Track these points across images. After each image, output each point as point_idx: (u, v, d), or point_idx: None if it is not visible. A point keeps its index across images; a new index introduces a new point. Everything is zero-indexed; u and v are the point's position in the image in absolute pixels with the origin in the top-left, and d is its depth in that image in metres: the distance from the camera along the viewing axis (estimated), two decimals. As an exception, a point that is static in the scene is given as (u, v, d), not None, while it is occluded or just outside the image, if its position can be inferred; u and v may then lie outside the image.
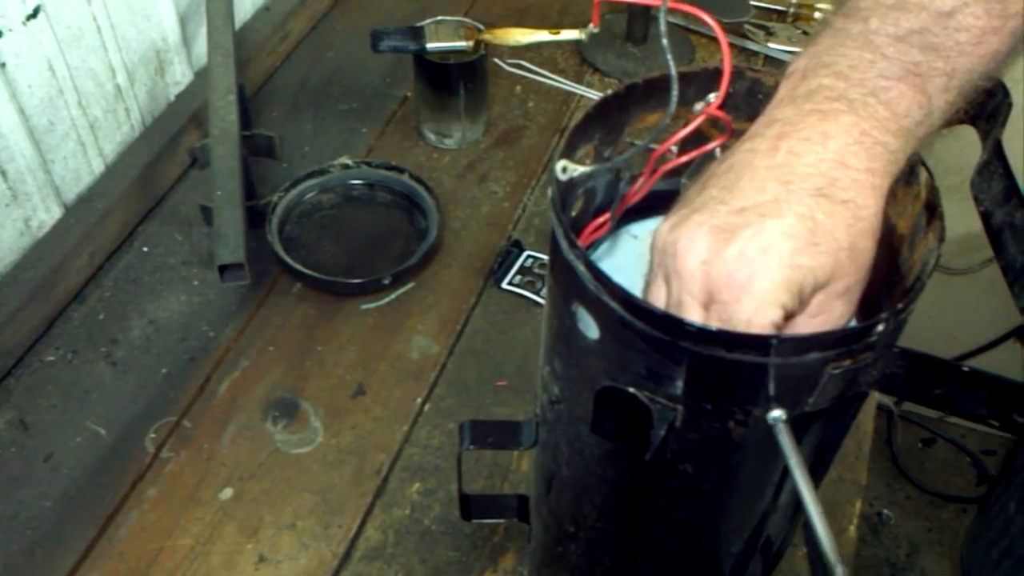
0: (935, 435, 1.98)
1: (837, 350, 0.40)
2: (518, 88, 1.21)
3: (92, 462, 0.81)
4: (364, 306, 0.95)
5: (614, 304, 0.41)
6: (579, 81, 1.22)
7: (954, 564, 1.79)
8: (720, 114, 0.49)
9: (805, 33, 1.28)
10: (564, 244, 0.44)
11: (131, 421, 0.84)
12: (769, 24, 1.29)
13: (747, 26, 1.28)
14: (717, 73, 0.50)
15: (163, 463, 0.82)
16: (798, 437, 0.42)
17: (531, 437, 0.59)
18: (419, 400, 0.87)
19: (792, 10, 1.31)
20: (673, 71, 0.47)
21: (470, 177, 1.09)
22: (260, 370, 0.89)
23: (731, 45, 0.50)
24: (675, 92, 0.47)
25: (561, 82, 1.21)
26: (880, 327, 0.40)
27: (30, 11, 0.86)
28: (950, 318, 1.71)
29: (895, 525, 1.87)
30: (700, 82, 0.51)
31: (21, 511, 0.78)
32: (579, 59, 1.25)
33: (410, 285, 0.97)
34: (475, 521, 0.72)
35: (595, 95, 1.19)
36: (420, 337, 0.92)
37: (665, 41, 0.48)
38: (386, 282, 0.95)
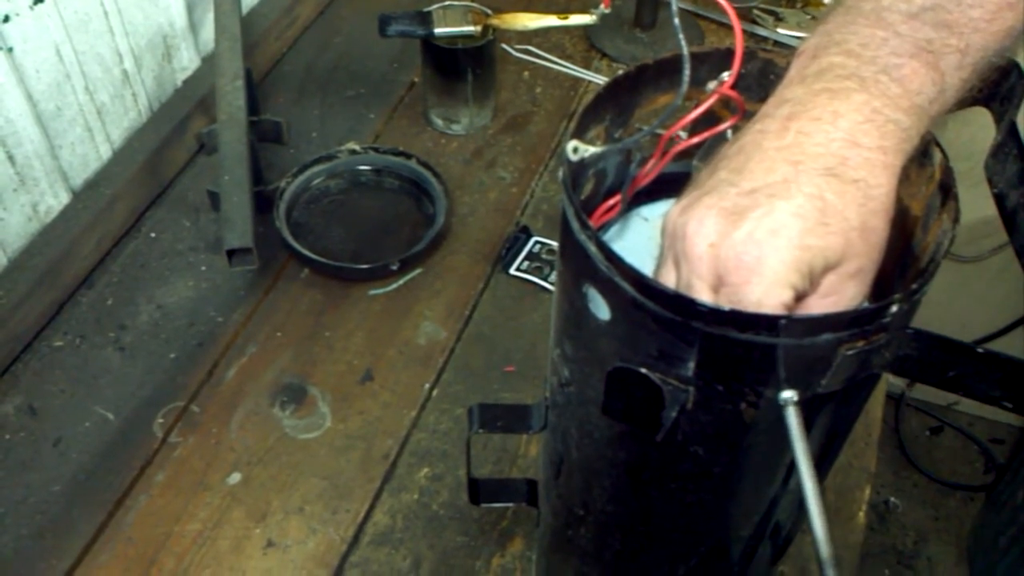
0: (943, 423, 1.97)
1: (850, 331, 0.39)
2: (526, 74, 1.20)
3: (100, 447, 0.82)
4: (372, 292, 0.95)
5: (626, 285, 0.41)
6: (587, 67, 1.21)
7: (960, 552, 1.79)
8: (733, 93, 0.49)
9: (814, 19, 1.27)
10: (576, 224, 0.43)
11: (139, 406, 0.85)
12: (778, 9, 1.28)
13: (756, 11, 1.27)
14: (729, 54, 0.50)
15: (171, 448, 0.82)
16: (810, 420, 0.42)
17: (540, 421, 0.59)
18: (427, 385, 0.87)
19: (801, -5, 1.31)
20: (685, 51, 0.47)
21: (478, 163, 1.09)
22: (268, 355, 0.89)
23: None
24: (687, 72, 0.47)
25: (569, 68, 1.21)
26: (894, 308, 0.39)
27: (37, -5, 0.86)
28: (959, 305, 1.71)
29: (902, 513, 1.87)
30: (712, 62, 0.51)
31: (30, 496, 0.78)
32: (587, 45, 1.25)
33: (418, 271, 0.96)
34: (484, 505, 0.72)
35: (603, 80, 1.18)
36: (428, 323, 0.92)
37: (677, 20, 0.48)
38: (394, 268, 0.94)
